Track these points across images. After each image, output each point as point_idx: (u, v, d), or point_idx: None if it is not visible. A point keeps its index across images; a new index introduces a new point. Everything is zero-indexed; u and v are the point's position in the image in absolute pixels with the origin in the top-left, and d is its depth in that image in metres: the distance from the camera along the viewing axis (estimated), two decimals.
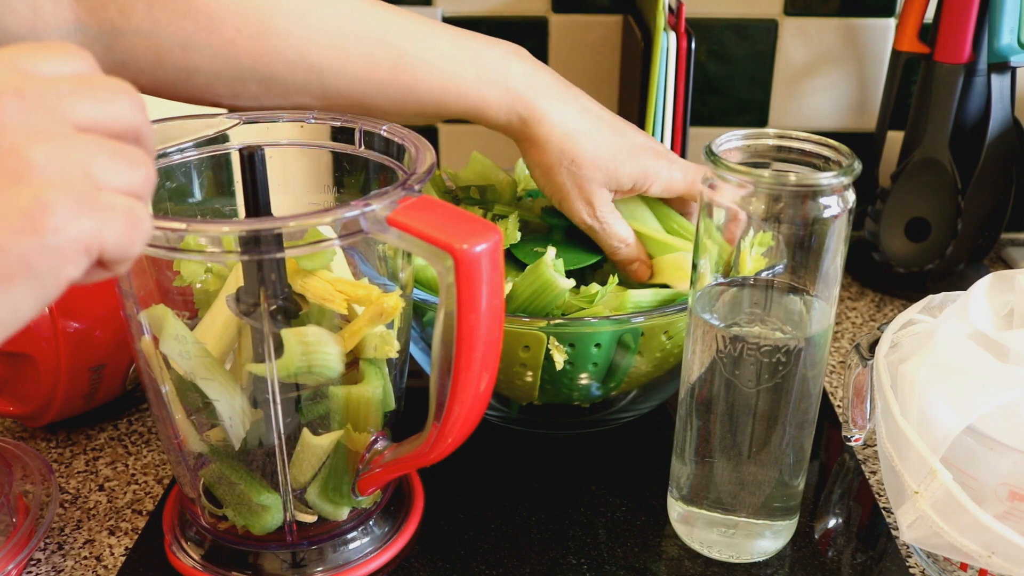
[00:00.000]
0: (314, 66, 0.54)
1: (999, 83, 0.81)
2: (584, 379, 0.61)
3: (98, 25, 0.52)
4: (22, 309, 0.30)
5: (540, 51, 0.95)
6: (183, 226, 0.42)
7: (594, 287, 0.62)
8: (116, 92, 0.32)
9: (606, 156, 0.60)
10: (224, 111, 0.57)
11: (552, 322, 0.57)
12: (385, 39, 0.55)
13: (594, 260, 0.67)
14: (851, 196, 0.47)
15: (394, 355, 0.51)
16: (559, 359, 0.58)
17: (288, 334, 0.47)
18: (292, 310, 0.48)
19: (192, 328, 0.50)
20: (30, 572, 0.56)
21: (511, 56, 0.59)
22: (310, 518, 0.54)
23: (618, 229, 0.63)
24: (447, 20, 0.93)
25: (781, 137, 0.50)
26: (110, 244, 0.31)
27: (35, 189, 0.29)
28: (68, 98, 0.31)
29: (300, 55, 0.54)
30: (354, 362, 0.51)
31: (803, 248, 0.47)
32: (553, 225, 0.68)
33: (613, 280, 0.62)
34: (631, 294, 0.61)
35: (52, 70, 0.32)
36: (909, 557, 0.56)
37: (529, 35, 0.94)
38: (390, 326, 0.51)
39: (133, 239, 0.32)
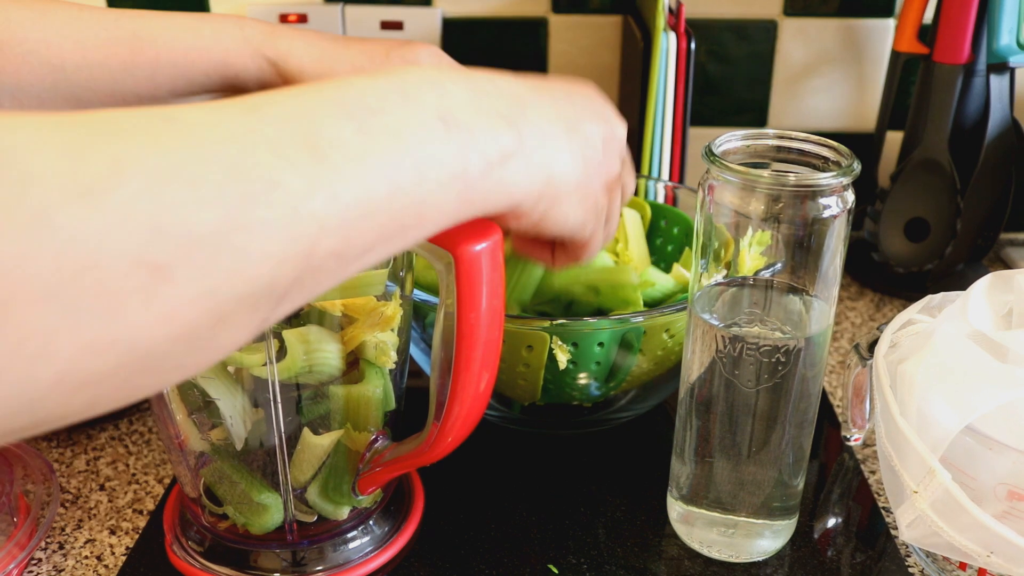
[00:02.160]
0: (57, 65, 0.54)
1: (998, 83, 0.81)
2: (587, 378, 0.61)
3: None
4: (512, 195, 0.40)
5: (540, 51, 0.95)
6: None
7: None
8: (627, 159, 0.51)
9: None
10: None
11: (555, 322, 0.57)
12: (119, 22, 0.55)
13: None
14: (850, 196, 0.47)
15: (391, 366, 0.51)
16: (562, 358, 0.58)
17: (289, 335, 0.47)
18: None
19: None
20: (31, 571, 0.56)
21: (242, 18, 0.58)
22: (310, 517, 0.54)
23: None
24: (447, 20, 0.94)
25: (781, 137, 0.50)
26: (582, 236, 0.47)
27: (592, 198, 0.45)
28: (616, 155, 0.47)
29: (41, 59, 0.54)
30: (354, 361, 0.51)
31: (802, 248, 0.48)
32: None
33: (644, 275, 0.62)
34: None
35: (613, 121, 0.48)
36: (908, 556, 0.57)
37: (529, 35, 0.94)
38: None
39: (589, 250, 0.50)
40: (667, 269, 0.71)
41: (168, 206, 0.25)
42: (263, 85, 0.58)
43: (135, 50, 0.55)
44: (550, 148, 0.41)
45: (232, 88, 0.57)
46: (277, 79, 0.58)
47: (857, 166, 0.47)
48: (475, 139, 0.36)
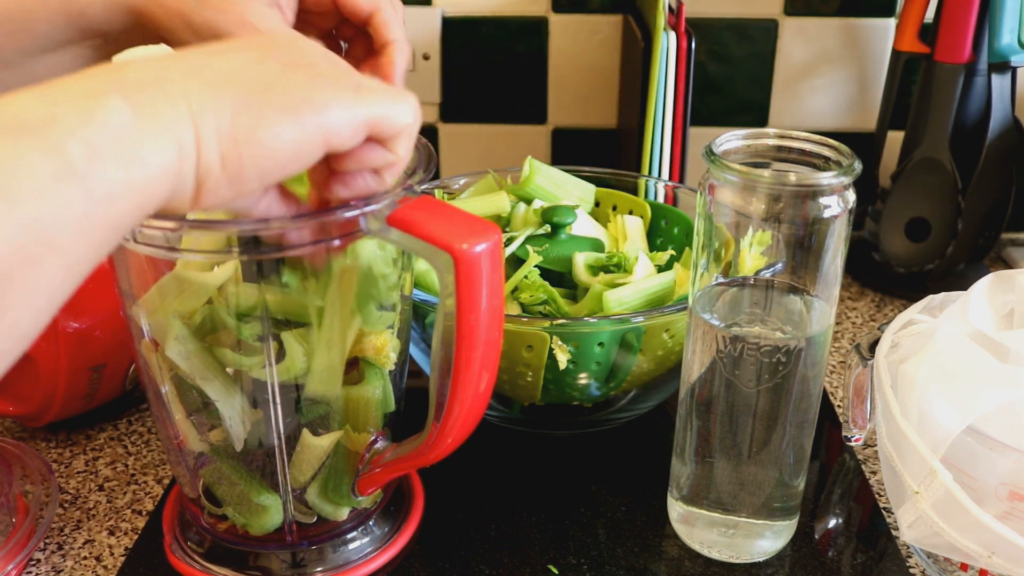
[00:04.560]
0: None
1: (999, 83, 0.81)
2: (587, 378, 0.61)
3: None
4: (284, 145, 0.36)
5: (540, 51, 0.95)
6: (182, 225, 0.42)
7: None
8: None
9: None
10: None
11: (555, 322, 0.57)
12: None
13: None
14: (851, 196, 0.47)
15: (391, 367, 0.51)
16: (563, 359, 0.58)
17: (288, 336, 0.47)
18: None
19: None
20: (30, 572, 0.56)
21: None
22: (310, 518, 0.54)
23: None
24: (447, 20, 0.93)
25: (781, 137, 0.50)
26: (378, 120, 0.38)
27: (316, 82, 0.37)
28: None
29: None
30: (354, 362, 0.51)
31: (803, 248, 0.47)
32: (553, 224, 0.68)
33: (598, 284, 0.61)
34: (608, 295, 0.61)
35: None
36: (909, 557, 0.56)
37: (529, 35, 0.94)
38: (390, 325, 0.51)
39: (394, 113, 0.39)
40: (668, 269, 0.71)
41: None
42: (126, 34, 0.51)
43: None
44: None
45: (94, 36, 0.50)
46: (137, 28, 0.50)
47: (858, 166, 0.46)
48: (91, 185, 0.30)
